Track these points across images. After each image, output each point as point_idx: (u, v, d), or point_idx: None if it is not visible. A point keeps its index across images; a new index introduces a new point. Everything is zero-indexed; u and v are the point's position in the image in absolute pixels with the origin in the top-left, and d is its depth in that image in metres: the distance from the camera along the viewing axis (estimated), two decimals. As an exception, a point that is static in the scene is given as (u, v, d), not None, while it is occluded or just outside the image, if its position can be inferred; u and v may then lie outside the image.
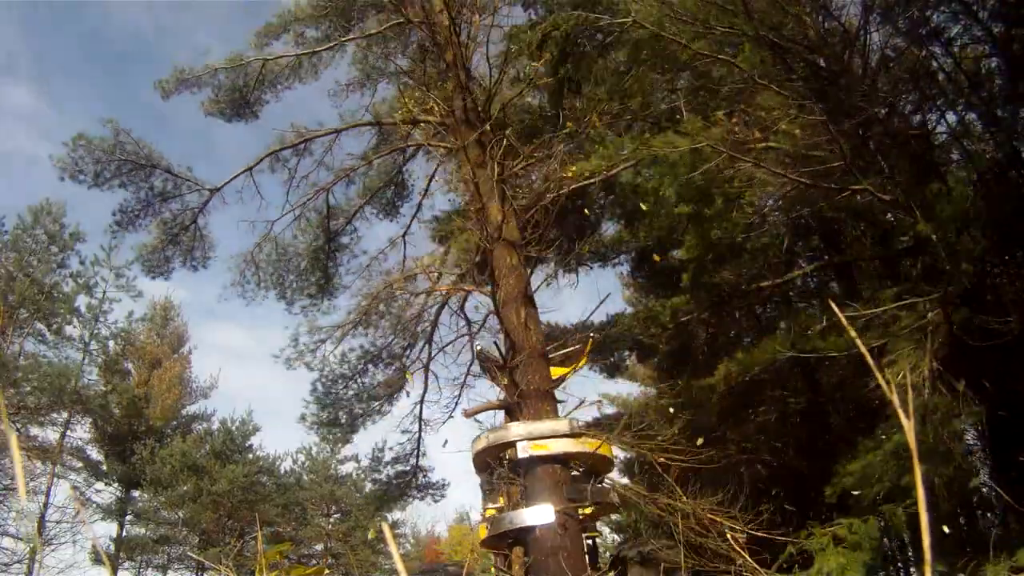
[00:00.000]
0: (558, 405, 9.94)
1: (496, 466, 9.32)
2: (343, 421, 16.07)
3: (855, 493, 8.55)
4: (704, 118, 7.63)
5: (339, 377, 15.59)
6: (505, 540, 9.03)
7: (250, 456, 28.27)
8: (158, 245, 13.85)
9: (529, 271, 10.56)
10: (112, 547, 25.52)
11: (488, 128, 10.66)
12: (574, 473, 9.34)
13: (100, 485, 26.77)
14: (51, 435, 23.48)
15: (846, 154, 7.60)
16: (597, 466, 9.40)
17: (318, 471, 29.78)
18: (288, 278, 15.14)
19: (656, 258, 12.95)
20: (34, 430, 22.21)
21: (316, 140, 13.54)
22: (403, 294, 12.99)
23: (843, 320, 0.99)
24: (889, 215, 9.28)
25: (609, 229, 17.15)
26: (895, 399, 0.85)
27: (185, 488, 25.10)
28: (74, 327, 24.52)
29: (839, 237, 14.24)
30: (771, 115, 7.43)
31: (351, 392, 15.68)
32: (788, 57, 8.31)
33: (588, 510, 9.07)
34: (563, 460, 9.00)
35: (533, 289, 10.91)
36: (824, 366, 12.58)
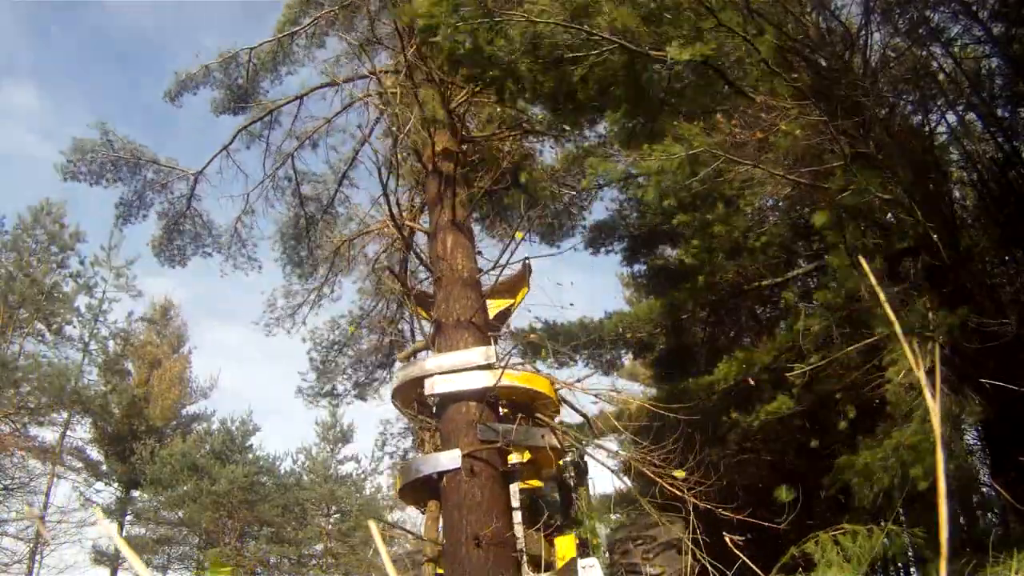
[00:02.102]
0: (495, 340, 8.63)
1: (418, 407, 8.24)
2: (340, 391, 16.13)
3: (854, 491, 8.55)
4: (703, 120, 7.63)
5: (332, 345, 15.64)
6: (421, 492, 7.88)
7: (250, 456, 28.26)
8: (165, 236, 14.52)
9: (456, 198, 9.17)
10: (112, 547, 25.51)
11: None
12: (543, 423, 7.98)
13: (100, 485, 26.79)
14: (51, 435, 23.50)
15: (846, 154, 7.60)
16: (537, 408, 8.03)
17: (318, 471, 29.77)
18: (276, 247, 15.41)
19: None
20: (34, 430, 22.22)
21: (284, 112, 13.73)
22: (361, 239, 12.77)
23: (872, 279, 0.98)
24: (889, 215, 9.28)
25: (600, 213, 17.18)
26: (923, 377, 0.86)
27: (185, 488, 25.09)
28: (74, 327, 24.55)
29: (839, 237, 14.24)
30: (770, 115, 7.42)
31: (347, 360, 15.80)
32: (789, 56, 8.31)
33: (521, 457, 7.69)
34: (481, 397, 7.55)
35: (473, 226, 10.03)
36: (824, 366, 12.58)
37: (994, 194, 11.51)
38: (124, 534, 26.50)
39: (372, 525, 1.26)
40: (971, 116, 12.17)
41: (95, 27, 59.01)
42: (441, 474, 7.51)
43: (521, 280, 9.38)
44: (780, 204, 11.07)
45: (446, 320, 8.41)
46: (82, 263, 24.45)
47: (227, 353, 53.98)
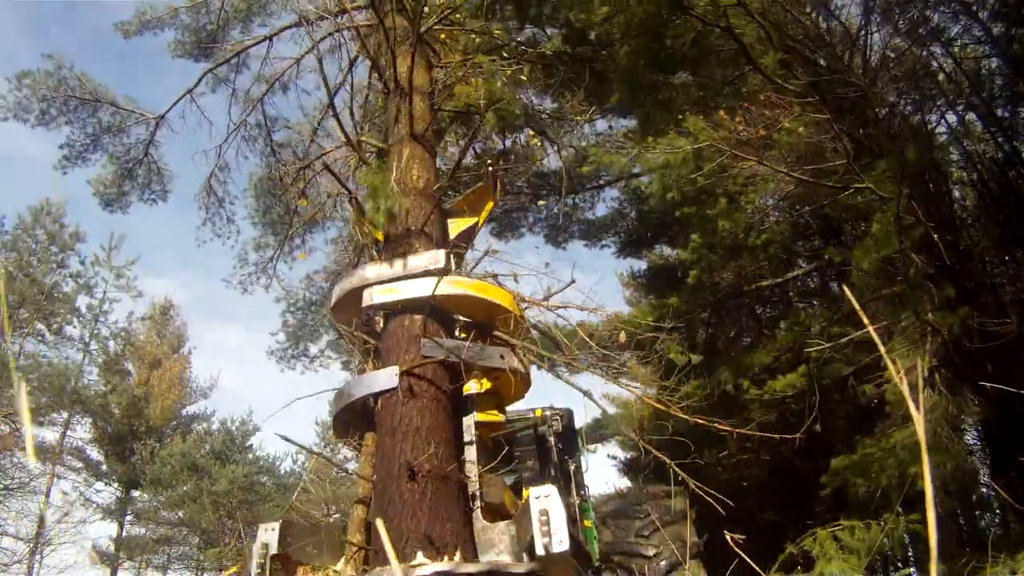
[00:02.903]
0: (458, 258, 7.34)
1: (362, 329, 7.04)
2: (313, 352, 15.46)
3: (852, 489, 8.55)
4: (705, 116, 7.65)
5: (309, 305, 14.92)
6: (359, 424, 6.65)
7: (250, 456, 28.25)
8: (113, 179, 13.33)
9: (415, 110, 7.95)
10: (112, 547, 25.51)
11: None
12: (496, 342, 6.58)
13: (100, 485, 26.78)
14: (51, 435, 23.50)
15: (848, 152, 7.61)
16: (497, 326, 6.69)
17: (318, 471, 29.75)
18: (250, 203, 14.39)
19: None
20: (34, 430, 22.21)
21: (252, 56, 12.75)
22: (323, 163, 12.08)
23: (855, 305, 0.99)
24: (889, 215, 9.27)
25: (600, 209, 17.13)
26: (905, 389, 0.86)
27: (185, 488, 25.07)
28: (74, 327, 24.55)
29: (839, 237, 14.26)
30: (774, 112, 7.44)
31: (325, 319, 14.72)
32: (790, 56, 8.33)
33: (479, 386, 6.51)
34: (426, 308, 6.27)
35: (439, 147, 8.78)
36: (824, 366, 12.60)
37: (994, 194, 11.53)
38: (124, 534, 26.50)
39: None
40: (971, 116, 12.19)
41: (95, 27, 59.03)
42: (378, 397, 6.25)
43: (485, 194, 7.90)
44: (781, 203, 11.07)
45: (395, 230, 7.12)
46: (82, 263, 24.47)
47: (227, 354, 53.97)
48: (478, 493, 5.88)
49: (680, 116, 7.48)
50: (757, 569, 3.18)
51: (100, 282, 24.98)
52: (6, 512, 20.66)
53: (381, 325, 6.88)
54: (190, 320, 43.78)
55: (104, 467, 26.97)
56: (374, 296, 6.51)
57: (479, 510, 5.79)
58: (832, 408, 14.99)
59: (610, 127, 13.12)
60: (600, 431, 20.07)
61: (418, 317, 6.37)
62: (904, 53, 10.98)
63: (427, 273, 6.48)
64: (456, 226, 7.61)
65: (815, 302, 14.72)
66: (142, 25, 13.17)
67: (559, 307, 7.08)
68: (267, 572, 5.26)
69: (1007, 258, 11.68)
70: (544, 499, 4.89)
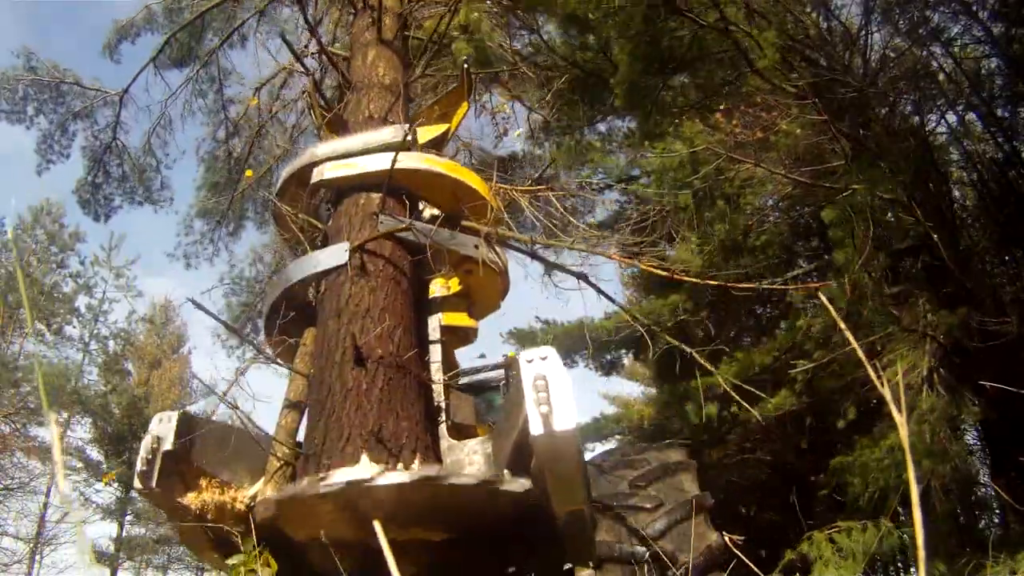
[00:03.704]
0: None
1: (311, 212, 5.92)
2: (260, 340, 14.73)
3: (851, 489, 8.55)
4: (702, 119, 7.65)
5: (255, 284, 14.05)
6: (297, 324, 5.34)
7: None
8: (90, 179, 12.81)
9: (384, 15, 7.18)
10: (112, 547, 25.52)
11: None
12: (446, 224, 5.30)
13: (100, 485, 26.79)
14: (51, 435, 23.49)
15: (847, 153, 7.61)
16: (467, 213, 5.50)
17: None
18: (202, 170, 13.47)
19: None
20: (34, 430, 22.24)
21: (214, 14, 11.95)
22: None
23: (833, 313, 0.98)
24: (889, 215, 9.29)
25: (598, 214, 17.01)
26: (887, 394, 0.85)
27: (185, 488, 25.07)
28: (74, 327, 24.57)
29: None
30: (771, 115, 7.44)
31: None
32: (789, 56, 8.32)
33: (447, 287, 5.54)
34: (385, 185, 5.13)
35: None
36: (824, 365, 12.61)
37: (994, 194, 11.52)
38: (124, 534, 26.51)
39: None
40: (971, 116, 12.18)
41: (95, 27, 59.04)
42: (321, 280, 5.12)
43: (458, 97, 6.86)
44: (780, 204, 11.07)
45: (355, 119, 6.20)
46: (82, 263, 24.51)
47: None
48: (444, 407, 4.68)
49: (676, 121, 7.48)
50: (757, 571, 3.17)
51: (100, 282, 25.03)
52: (6, 512, 20.69)
53: (327, 203, 5.88)
54: (190, 320, 43.82)
55: (104, 467, 26.99)
56: (325, 172, 5.50)
57: (444, 426, 4.57)
58: (832, 408, 15.01)
59: (608, 130, 13.11)
60: (600, 432, 20.03)
61: (375, 195, 5.27)
62: (904, 53, 10.97)
63: (387, 147, 5.34)
64: (426, 134, 6.45)
65: (815, 302, 14.71)
66: (120, 34, 12.69)
67: (539, 190, 6.13)
68: (156, 470, 4.07)
69: (1007, 258, 11.68)
70: (540, 362, 3.43)
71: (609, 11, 7.82)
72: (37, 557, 21.56)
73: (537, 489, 3.71)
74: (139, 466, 4.14)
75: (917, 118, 11.18)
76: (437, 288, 5.54)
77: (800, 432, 13.49)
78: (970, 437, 12.23)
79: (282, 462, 4.44)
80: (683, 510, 5.39)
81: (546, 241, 6.14)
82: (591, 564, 4.62)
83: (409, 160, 5.35)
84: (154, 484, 4.08)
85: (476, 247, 5.27)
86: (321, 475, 3.84)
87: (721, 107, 7.85)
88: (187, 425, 4.31)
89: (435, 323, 5.26)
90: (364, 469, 3.80)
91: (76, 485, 24.88)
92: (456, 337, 5.60)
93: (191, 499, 4.17)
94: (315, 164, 5.58)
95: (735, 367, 11.63)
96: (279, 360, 5.34)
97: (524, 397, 3.36)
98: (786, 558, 6.46)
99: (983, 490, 12.51)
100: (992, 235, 11.04)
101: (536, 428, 3.28)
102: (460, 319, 5.51)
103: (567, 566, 4.70)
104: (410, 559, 3.53)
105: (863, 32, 10.41)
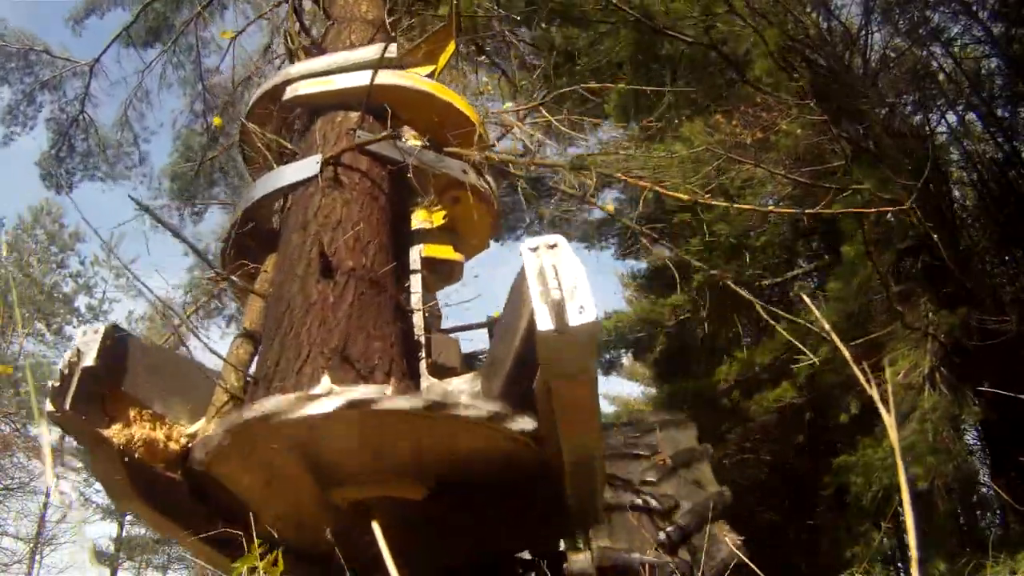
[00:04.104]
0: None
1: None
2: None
3: (853, 489, 8.55)
4: (705, 115, 7.66)
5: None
6: (260, 251, 4.76)
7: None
8: (54, 152, 12.35)
9: None
10: (112, 547, 25.52)
11: None
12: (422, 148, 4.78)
13: (100, 485, 26.79)
14: (51, 435, 23.47)
15: (847, 154, 7.61)
16: (453, 140, 4.98)
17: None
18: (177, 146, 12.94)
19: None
20: (34, 430, 22.23)
21: None
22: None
23: (817, 314, 0.98)
24: (889, 215, 9.30)
25: (595, 212, 17.02)
26: (875, 393, 0.84)
27: (185, 488, 25.07)
28: (74, 327, 24.56)
29: (839, 237, 14.26)
30: (771, 115, 7.45)
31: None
32: (789, 56, 8.33)
33: (430, 220, 4.91)
34: (363, 103, 4.60)
35: None
36: (824, 366, 12.63)
37: (994, 194, 11.53)
38: (124, 534, 26.51)
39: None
40: (971, 116, 12.19)
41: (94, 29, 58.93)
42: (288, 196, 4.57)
43: (444, 36, 6.26)
44: (780, 204, 11.07)
45: (335, 48, 5.76)
46: (82, 263, 24.50)
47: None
48: (424, 342, 3.95)
49: (676, 122, 7.49)
50: (757, 572, 3.16)
51: (100, 282, 25.01)
52: (6, 512, 20.69)
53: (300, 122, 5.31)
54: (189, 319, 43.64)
55: (104, 467, 27.02)
56: (300, 88, 5.00)
57: (424, 363, 3.85)
58: (832, 408, 15.01)
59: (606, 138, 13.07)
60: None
61: (354, 114, 4.72)
62: (904, 53, 10.99)
63: (369, 65, 4.80)
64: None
65: (815, 302, 14.72)
66: (89, 6, 12.36)
67: (533, 106, 5.61)
68: (71, 389, 3.32)
69: (1007, 258, 11.69)
70: (548, 251, 2.68)
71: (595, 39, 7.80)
72: (37, 557, 21.56)
73: (541, 424, 2.94)
74: (53, 382, 3.39)
75: (917, 118, 11.21)
76: (419, 222, 4.91)
77: (800, 431, 13.50)
78: (970, 437, 12.25)
79: (229, 395, 3.73)
80: (703, 510, 4.58)
81: (542, 161, 5.66)
82: (597, 522, 3.97)
83: (393, 76, 4.86)
84: (67, 406, 3.29)
85: (464, 172, 4.78)
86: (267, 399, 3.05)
87: (721, 109, 7.86)
88: (117, 342, 3.52)
89: (415, 254, 4.57)
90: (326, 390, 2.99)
91: (76, 485, 24.90)
92: (440, 275, 4.90)
93: (115, 432, 3.38)
94: (289, 83, 5.07)
95: (736, 367, 11.65)
96: (227, 276, 4.65)
97: (527, 292, 2.60)
98: None
99: (983, 490, 12.53)
100: (992, 235, 11.05)
101: (544, 322, 2.48)
102: (444, 251, 4.82)
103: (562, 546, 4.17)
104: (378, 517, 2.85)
105: (863, 32, 10.42)
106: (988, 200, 11.61)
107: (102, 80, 11.47)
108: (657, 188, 5.39)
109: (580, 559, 4.05)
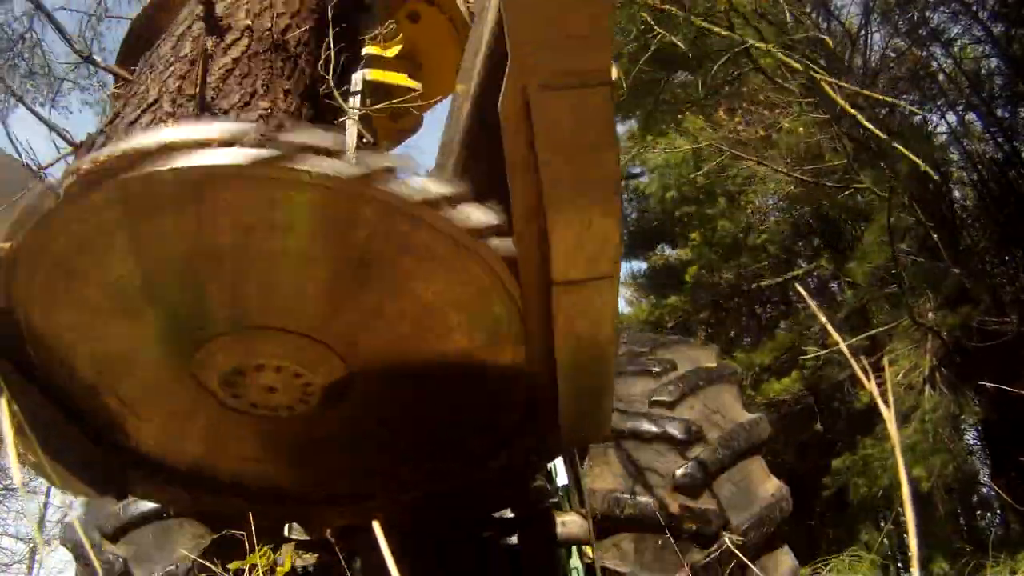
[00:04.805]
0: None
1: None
2: None
3: (854, 489, 8.55)
4: (705, 116, 7.65)
5: None
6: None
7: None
8: None
9: None
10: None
11: None
12: None
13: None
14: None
15: (848, 153, 7.61)
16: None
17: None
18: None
19: None
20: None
21: None
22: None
23: (820, 316, 0.98)
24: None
25: None
26: (873, 389, 0.81)
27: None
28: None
29: (839, 237, 14.26)
30: (774, 113, 7.45)
31: None
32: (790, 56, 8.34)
33: (386, 49, 2.72)
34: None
35: None
36: (824, 365, 12.63)
37: (994, 194, 11.52)
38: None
39: None
40: (971, 116, 12.19)
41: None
42: None
43: None
44: (781, 203, 11.08)
45: None
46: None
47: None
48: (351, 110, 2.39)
49: (680, 116, 7.49)
50: (757, 572, 3.12)
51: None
52: (6, 512, 20.66)
53: None
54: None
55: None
56: None
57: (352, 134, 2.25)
58: (832, 408, 15.02)
59: None
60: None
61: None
62: (904, 53, 10.98)
63: None
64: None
65: (815, 302, 14.72)
66: None
67: None
68: None
69: (1007, 258, 11.68)
70: None
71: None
72: (37, 557, 21.53)
73: (516, 208, 1.47)
74: None
75: (917, 118, 11.20)
76: (371, 48, 3.40)
77: (801, 431, 13.49)
78: (970, 437, 12.25)
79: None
80: (733, 443, 3.48)
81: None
82: (601, 436, 2.80)
83: None
84: None
85: None
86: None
87: (724, 104, 7.86)
88: None
89: (358, 77, 3.03)
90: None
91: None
92: (393, 118, 2.88)
93: None
94: None
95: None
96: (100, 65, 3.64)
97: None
98: None
99: (983, 490, 12.53)
100: (992, 235, 11.05)
101: None
102: (396, 77, 3.05)
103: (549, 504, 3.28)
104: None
105: (863, 32, 10.41)
106: (988, 200, 11.60)
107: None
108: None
109: (571, 519, 3.22)
